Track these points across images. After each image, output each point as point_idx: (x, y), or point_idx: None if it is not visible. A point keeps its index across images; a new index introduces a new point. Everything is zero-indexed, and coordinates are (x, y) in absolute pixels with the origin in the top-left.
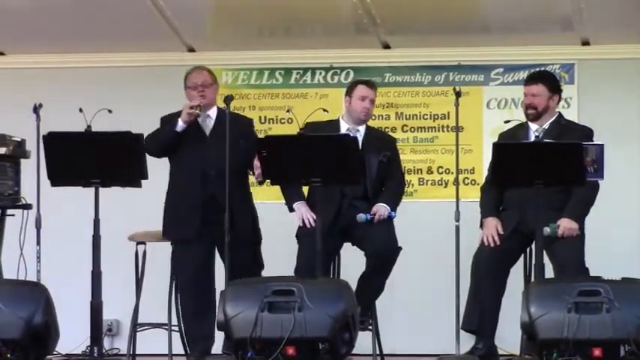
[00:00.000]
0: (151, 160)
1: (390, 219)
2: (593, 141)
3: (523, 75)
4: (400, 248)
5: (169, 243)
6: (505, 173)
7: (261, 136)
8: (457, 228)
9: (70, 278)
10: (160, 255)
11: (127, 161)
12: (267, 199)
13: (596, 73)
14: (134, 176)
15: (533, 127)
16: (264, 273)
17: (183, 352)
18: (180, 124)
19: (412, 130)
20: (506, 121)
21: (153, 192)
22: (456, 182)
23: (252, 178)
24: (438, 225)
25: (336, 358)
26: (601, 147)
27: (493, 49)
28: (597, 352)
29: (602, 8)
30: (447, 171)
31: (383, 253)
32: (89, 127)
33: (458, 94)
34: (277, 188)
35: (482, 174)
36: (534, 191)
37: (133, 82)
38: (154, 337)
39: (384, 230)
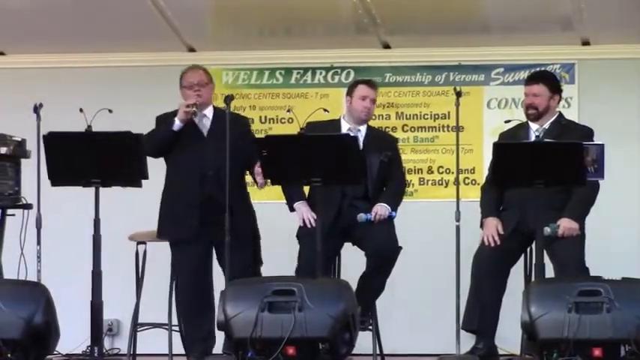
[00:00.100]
0: (151, 160)
1: (390, 219)
2: (593, 141)
3: (523, 75)
4: (400, 248)
5: (169, 243)
6: (505, 173)
7: (261, 136)
8: (457, 228)
9: (71, 278)
10: (160, 255)
11: (127, 161)
12: (267, 199)
13: (597, 73)
14: (134, 176)
15: (533, 126)
16: (264, 272)
17: (183, 352)
18: (177, 123)
19: (412, 129)
20: (507, 121)
21: (153, 192)
22: (457, 182)
23: (250, 178)
24: (438, 225)
25: (337, 358)
26: (601, 147)
27: (493, 49)
28: (597, 352)
29: (602, 8)
30: (448, 171)
31: (383, 253)
32: (89, 127)
33: (458, 94)
34: (277, 188)
35: (483, 174)
36: (535, 191)
37: (133, 82)
38: (154, 337)
39: (385, 230)
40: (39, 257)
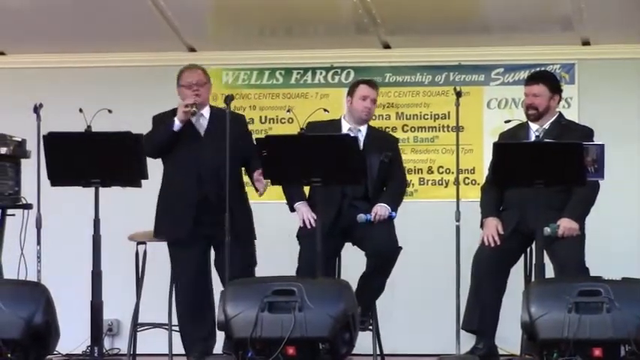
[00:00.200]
0: (150, 160)
1: (390, 219)
2: (593, 141)
3: (523, 75)
4: (400, 248)
5: (167, 243)
6: (505, 173)
7: (261, 136)
8: (457, 228)
9: (71, 278)
10: (160, 255)
11: (127, 161)
12: (267, 199)
13: (597, 73)
14: (134, 176)
15: (533, 126)
16: (264, 272)
17: (183, 352)
18: (177, 124)
19: (412, 130)
20: (507, 121)
21: (153, 192)
22: (457, 182)
23: (248, 178)
24: (438, 225)
25: (337, 358)
26: (601, 147)
27: (493, 49)
28: (597, 352)
29: (602, 8)
30: (448, 171)
31: (383, 253)
32: (89, 127)
33: (458, 94)
34: (277, 188)
35: (483, 174)
36: (535, 191)
37: (133, 82)
38: (154, 337)
39: (385, 230)
40: (39, 257)
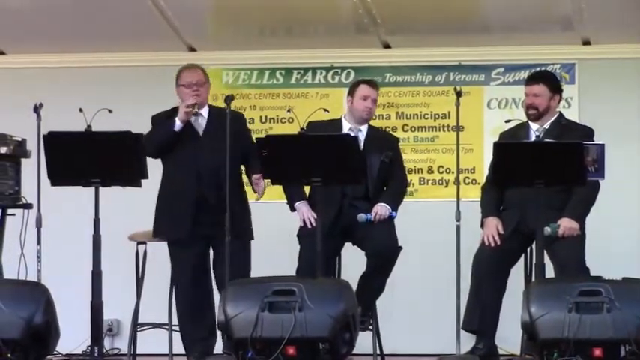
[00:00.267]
0: (150, 160)
1: (390, 219)
2: (593, 141)
3: (524, 75)
4: (401, 248)
5: (167, 243)
6: (506, 173)
7: (261, 136)
8: (458, 228)
9: (71, 278)
10: (160, 255)
11: (127, 161)
12: (267, 198)
13: (597, 73)
14: (134, 176)
15: (533, 126)
16: (264, 272)
17: (183, 352)
18: (178, 124)
19: (413, 129)
20: (507, 121)
21: (153, 192)
22: (457, 182)
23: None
24: (438, 225)
25: (337, 358)
26: (601, 147)
27: (494, 48)
28: (598, 351)
29: (603, 8)
30: (448, 171)
31: (383, 253)
32: (89, 127)
33: (458, 94)
34: (277, 188)
35: (483, 174)
36: (535, 191)
37: (132, 81)
38: (154, 337)
39: (385, 230)
40: (39, 257)
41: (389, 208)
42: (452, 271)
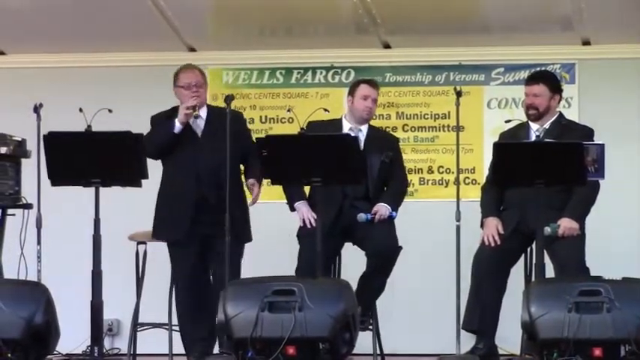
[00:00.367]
0: (150, 160)
1: (390, 219)
2: (593, 141)
3: (524, 75)
4: (401, 248)
5: (166, 243)
6: (506, 173)
7: (261, 135)
8: (458, 228)
9: (71, 278)
10: (160, 255)
11: (127, 161)
12: (267, 198)
13: (597, 73)
14: (134, 176)
15: (533, 126)
16: (264, 272)
17: (183, 352)
18: (178, 126)
19: (413, 129)
20: (507, 121)
21: (153, 192)
22: (457, 182)
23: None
24: (438, 225)
25: (337, 358)
26: (602, 147)
27: (494, 48)
28: (598, 351)
29: (603, 8)
30: (448, 171)
31: (383, 253)
32: (89, 126)
33: (459, 94)
34: (277, 188)
35: (483, 174)
36: (535, 191)
37: (132, 81)
38: (154, 337)
39: (385, 230)
40: (39, 257)
41: (389, 208)
42: (452, 271)
